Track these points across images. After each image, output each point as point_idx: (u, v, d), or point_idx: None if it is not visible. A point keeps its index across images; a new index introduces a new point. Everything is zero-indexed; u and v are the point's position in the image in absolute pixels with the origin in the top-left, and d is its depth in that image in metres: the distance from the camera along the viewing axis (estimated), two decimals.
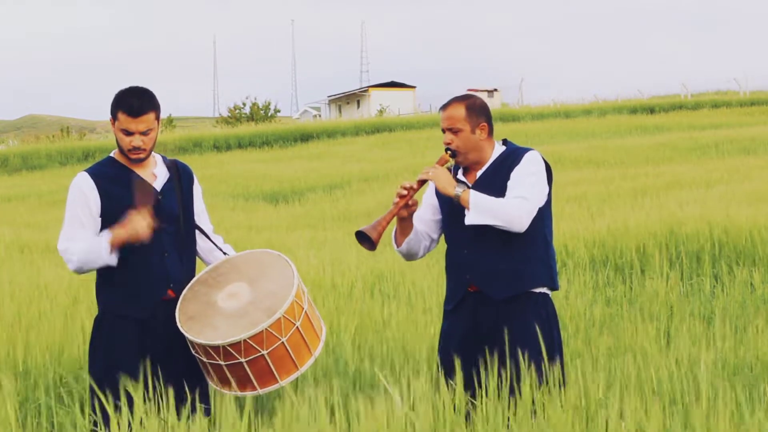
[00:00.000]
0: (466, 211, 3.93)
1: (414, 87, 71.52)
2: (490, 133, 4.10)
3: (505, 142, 4.18)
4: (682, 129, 31.24)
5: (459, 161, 4.09)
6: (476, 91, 60.12)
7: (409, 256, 4.28)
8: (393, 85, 71.24)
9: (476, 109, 4.05)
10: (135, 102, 3.93)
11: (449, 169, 4.15)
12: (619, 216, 9.57)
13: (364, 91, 71.59)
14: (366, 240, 3.96)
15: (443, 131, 4.08)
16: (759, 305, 6.73)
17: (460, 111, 4.03)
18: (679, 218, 8.88)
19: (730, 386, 3.97)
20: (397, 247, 4.22)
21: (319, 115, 71.33)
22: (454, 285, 4.15)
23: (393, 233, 4.24)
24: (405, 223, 4.15)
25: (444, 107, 4.10)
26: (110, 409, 3.17)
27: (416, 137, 33.79)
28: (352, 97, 72.45)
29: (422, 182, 4.06)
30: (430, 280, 7.36)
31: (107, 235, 3.91)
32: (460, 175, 4.14)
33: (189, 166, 4.26)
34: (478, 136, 4.04)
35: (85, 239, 3.95)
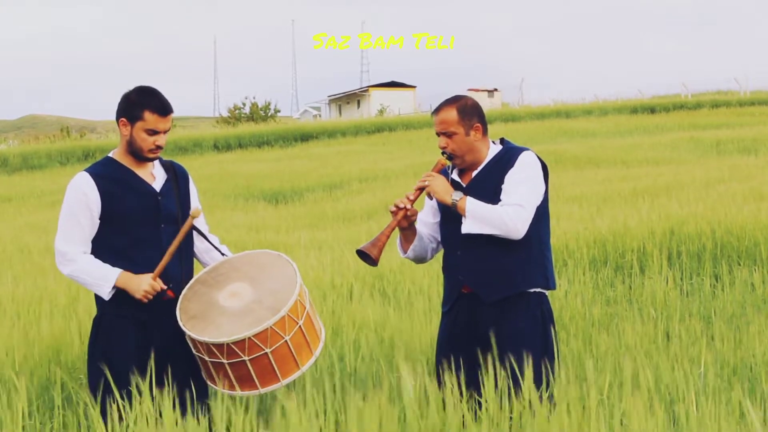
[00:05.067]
0: (463, 219, 3.91)
1: (414, 87, 71.47)
2: (485, 132, 4.06)
3: (502, 141, 4.15)
4: (682, 129, 31.23)
5: (456, 164, 4.07)
6: (476, 91, 60.12)
7: (418, 261, 4.28)
8: (393, 85, 71.18)
9: (468, 110, 4.01)
10: (160, 102, 3.97)
11: (446, 169, 4.13)
12: (619, 216, 9.55)
13: (364, 91, 71.53)
14: (367, 258, 3.97)
15: (438, 135, 4.06)
16: (759, 305, 6.72)
17: (452, 114, 3.99)
18: (680, 218, 8.87)
19: (730, 386, 3.97)
20: (403, 254, 4.21)
21: (319, 115, 71.30)
22: (449, 286, 4.15)
23: (398, 241, 4.23)
24: (407, 231, 4.13)
25: (436, 111, 4.05)
26: (109, 409, 3.16)
27: (416, 137, 33.76)
28: (353, 97, 72.39)
29: (419, 191, 4.04)
30: (430, 279, 7.35)
31: (116, 276, 3.91)
32: (455, 176, 4.12)
33: (184, 167, 4.28)
34: (473, 138, 4.01)
35: (95, 261, 3.94)
